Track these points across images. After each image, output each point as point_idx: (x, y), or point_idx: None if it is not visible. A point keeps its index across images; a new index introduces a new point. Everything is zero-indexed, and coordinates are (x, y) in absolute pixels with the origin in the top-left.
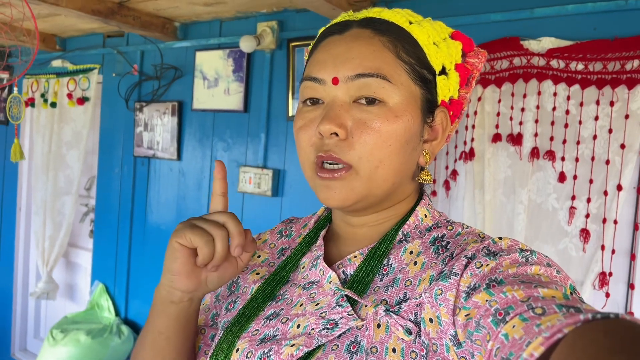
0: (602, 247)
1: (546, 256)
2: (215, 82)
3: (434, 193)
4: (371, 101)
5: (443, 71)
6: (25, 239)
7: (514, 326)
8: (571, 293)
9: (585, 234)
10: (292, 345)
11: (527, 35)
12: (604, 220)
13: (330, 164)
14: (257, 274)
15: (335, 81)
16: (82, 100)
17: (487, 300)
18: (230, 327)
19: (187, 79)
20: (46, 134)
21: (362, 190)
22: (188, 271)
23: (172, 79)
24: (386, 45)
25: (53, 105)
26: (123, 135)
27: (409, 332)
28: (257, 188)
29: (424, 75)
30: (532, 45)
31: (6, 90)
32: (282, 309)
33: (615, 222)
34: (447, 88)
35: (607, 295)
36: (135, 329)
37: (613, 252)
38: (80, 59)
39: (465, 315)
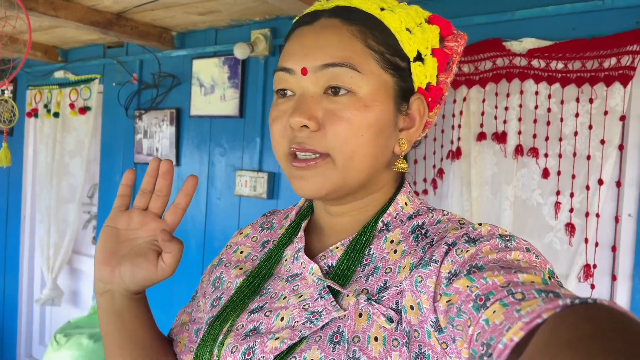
0: (586, 240)
1: (525, 241)
2: (212, 89)
3: (425, 192)
4: (340, 91)
5: (418, 57)
6: (30, 247)
7: (494, 311)
8: (549, 277)
9: (570, 228)
10: (276, 339)
11: (509, 36)
12: (587, 214)
13: (304, 155)
14: (241, 268)
15: (304, 71)
16: (84, 110)
17: (467, 286)
18: (213, 322)
19: (184, 87)
20: (49, 143)
21: (336, 180)
22: (104, 258)
23: (170, 86)
24: (355, 34)
25: (56, 115)
26: (123, 143)
27: (391, 320)
28: (253, 191)
29: (396, 62)
30: (513, 46)
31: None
32: (266, 303)
33: (598, 215)
34: (423, 75)
35: (593, 287)
36: None
37: (596, 244)
38: (82, 70)
39: (447, 301)
